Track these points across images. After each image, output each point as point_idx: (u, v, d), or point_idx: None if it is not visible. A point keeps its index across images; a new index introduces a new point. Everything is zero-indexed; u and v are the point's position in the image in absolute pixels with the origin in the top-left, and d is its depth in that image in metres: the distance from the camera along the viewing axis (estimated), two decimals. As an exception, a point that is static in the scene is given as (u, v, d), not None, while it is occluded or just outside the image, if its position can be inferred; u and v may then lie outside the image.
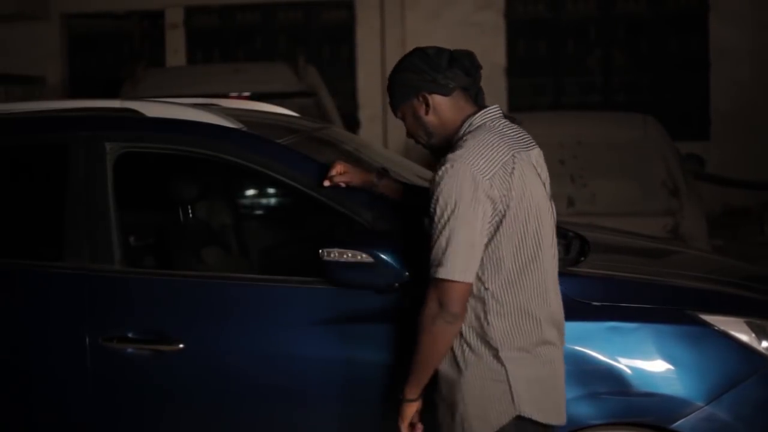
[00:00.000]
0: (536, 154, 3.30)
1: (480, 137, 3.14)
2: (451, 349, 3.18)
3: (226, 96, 7.28)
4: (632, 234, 5.18)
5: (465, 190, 3.03)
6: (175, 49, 14.57)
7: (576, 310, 3.59)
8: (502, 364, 3.14)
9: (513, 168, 3.11)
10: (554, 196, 7.70)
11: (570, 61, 13.88)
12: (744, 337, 3.61)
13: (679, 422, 3.53)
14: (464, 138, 3.18)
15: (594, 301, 3.63)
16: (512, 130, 3.25)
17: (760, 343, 3.62)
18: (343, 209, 3.70)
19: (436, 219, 3.07)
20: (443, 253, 3.05)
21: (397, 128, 13.65)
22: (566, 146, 7.57)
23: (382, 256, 3.47)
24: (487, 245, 3.11)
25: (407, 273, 3.49)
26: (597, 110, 12.52)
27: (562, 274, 3.81)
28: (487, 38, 13.53)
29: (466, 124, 3.23)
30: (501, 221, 3.10)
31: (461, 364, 3.16)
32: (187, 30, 14.66)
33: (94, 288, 3.84)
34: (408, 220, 3.62)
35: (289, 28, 14.56)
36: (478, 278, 3.12)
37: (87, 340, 3.75)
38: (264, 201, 6.22)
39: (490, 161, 3.08)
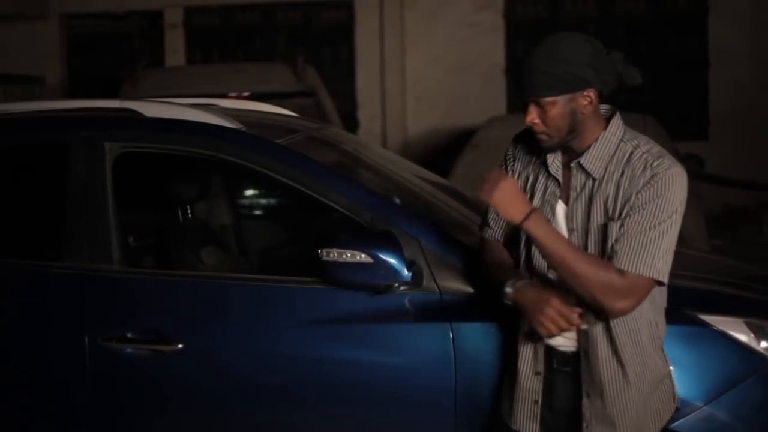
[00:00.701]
0: None
1: (652, 141, 3.14)
2: (619, 361, 3.13)
3: (225, 96, 7.27)
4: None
5: (684, 196, 3.05)
6: (175, 49, 14.57)
7: (575, 310, 3.59)
8: (667, 362, 3.26)
9: None
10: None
11: (569, 62, 13.86)
12: (743, 337, 3.61)
13: (678, 422, 3.51)
14: (627, 139, 3.12)
15: (593, 301, 3.63)
16: None
17: (759, 343, 3.62)
18: (342, 209, 3.70)
19: (655, 217, 3.01)
20: (662, 255, 3.02)
21: (395, 128, 13.65)
22: (565, 146, 7.55)
23: (381, 256, 3.47)
24: None
25: (407, 273, 3.50)
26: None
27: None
28: (486, 38, 13.52)
29: (614, 126, 3.15)
30: None
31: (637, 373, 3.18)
32: (186, 30, 14.66)
33: (93, 288, 3.83)
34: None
35: (288, 29, 14.56)
36: None
37: (86, 340, 3.75)
38: (263, 201, 6.22)
39: None
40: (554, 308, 3.03)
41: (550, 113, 3.08)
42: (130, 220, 4.24)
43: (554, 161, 3.18)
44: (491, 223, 3.38)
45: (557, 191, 3.18)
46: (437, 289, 3.60)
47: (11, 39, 14.37)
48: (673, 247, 3.07)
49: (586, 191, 3.12)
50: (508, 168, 3.33)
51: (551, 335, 3.09)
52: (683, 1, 13.60)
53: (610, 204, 3.08)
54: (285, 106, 5.20)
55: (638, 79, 3.15)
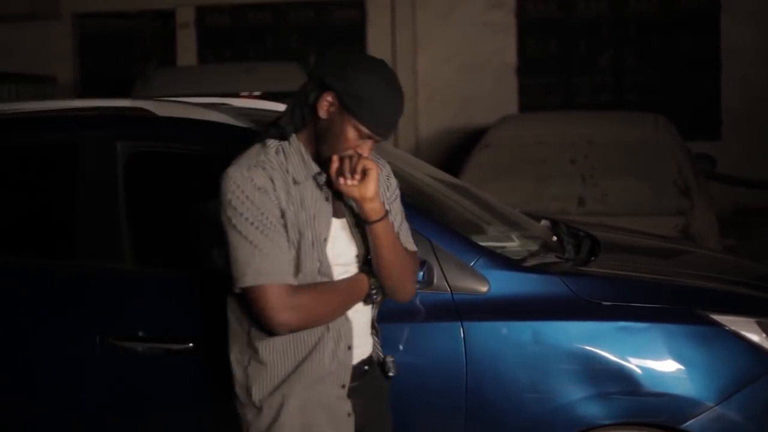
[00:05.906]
0: None
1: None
2: None
3: (236, 95, 7.28)
4: (643, 234, 5.17)
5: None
6: (186, 48, 14.60)
7: (586, 309, 3.59)
8: None
9: None
10: (565, 196, 7.65)
11: (581, 61, 13.87)
12: (755, 337, 3.61)
13: (689, 422, 3.52)
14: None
15: (604, 300, 3.62)
16: None
17: (770, 343, 3.62)
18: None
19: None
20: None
21: (407, 128, 13.66)
22: (577, 146, 7.57)
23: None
24: None
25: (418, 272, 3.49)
26: (608, 110, 12.51)
27: (573, 274, 3.82)
28: (498, 38, 13.51)
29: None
30: None
31: None
32: (198, 29, 14.68)
33: (104, 287, 3.84)
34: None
35: (300, 28, 14.58)
36: None
37: (97, 339, 3.76)
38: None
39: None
40: None
41: None
42: (141, 219, 4.24)
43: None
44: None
45: None
46: (448, 288, 3.60)
47: (23, 39, 14.42)
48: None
49: None
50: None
51: None
52: (696, 1, 13.58)
53: None
54: (296, 106, 5.18)
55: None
